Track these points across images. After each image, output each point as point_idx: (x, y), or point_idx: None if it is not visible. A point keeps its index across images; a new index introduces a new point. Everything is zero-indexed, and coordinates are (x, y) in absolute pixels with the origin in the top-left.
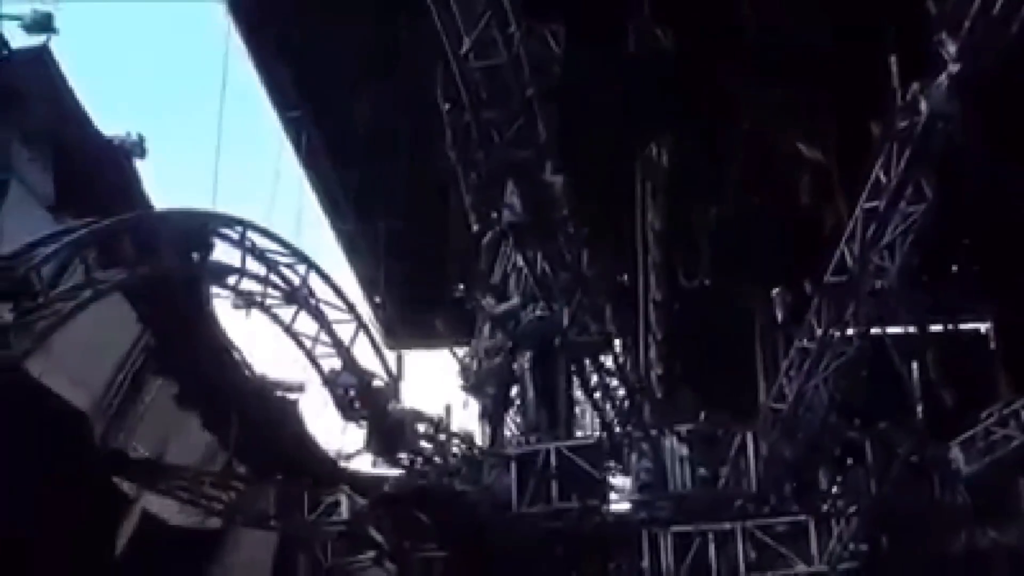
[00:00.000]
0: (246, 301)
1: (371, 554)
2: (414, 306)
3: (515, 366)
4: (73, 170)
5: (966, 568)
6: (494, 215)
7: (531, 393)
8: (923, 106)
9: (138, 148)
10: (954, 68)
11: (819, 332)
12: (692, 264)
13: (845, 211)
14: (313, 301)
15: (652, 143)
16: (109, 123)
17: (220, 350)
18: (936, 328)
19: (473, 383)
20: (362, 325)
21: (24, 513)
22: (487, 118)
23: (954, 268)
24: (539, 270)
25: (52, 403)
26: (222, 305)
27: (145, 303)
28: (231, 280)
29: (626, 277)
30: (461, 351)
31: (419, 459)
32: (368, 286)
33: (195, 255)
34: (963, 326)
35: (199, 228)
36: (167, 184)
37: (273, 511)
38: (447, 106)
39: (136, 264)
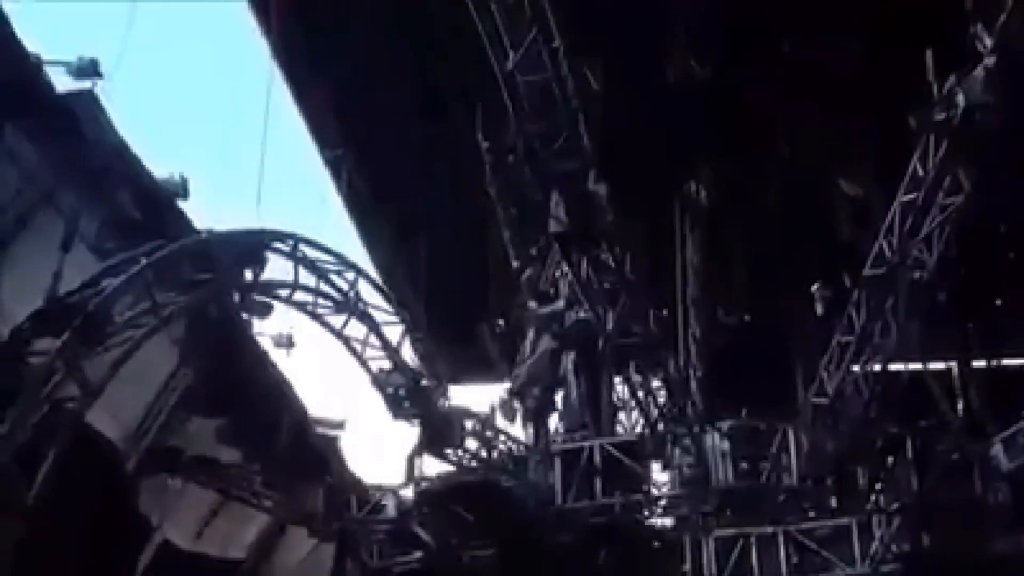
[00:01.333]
0: (301, 310)
1: (418, 555)
2: (453, 342)
3: (560, 367)
4: (118, 212)
5: (1009, 568)
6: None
7: (575, 392)
8: (960, 98)
9: (182, 189)
10: (990, 61)
11: (858, 325)
12: (731, 299)
13: None
14: (361, 306)
15: (691, 178)
16: (155, 163)
17: (265, 384)
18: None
19: (518, 386)
20: (410, 328)
21: (48, 537)
22: (532, 131)
23: (997, 301)
24: (584, 275)
25: (82, 431)
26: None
27: (185, 334)
28: (284, 293)
29: (665, 312)
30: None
31: (467, 455)
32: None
33: (249, 272)
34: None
35: (253, 245)
36: (210, 223)
37: (322, 510)
38: (486, 144)
39: (193, 286)
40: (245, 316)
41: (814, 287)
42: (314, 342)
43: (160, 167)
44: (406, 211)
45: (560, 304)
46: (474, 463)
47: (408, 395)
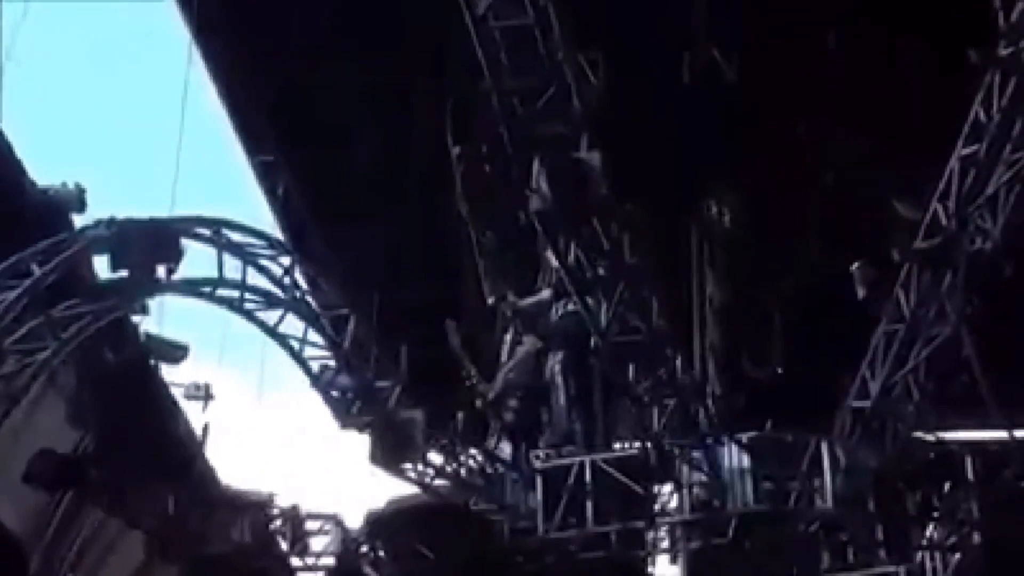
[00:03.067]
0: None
1: None
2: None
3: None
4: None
5: None
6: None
7: (563, 399)
8: None
9: (76, 201)
10: None
11: (908, 309)
12: (761, 347)
13: None
14: (299, 295)
15: (710, 197)
16: (45, 171)
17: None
18: None
19: (493, 397)
20: (360, 319)
21: None
22: (510, 88)
23: None
24: (572, 261)
25: None
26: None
27: (86, 400)
28: (207, 290)
29: (678, 361)
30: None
31: (430, 473)
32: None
33: (162, 268)
34: None
35: (167, 234)
36: None
37: (248, 540)
38: (457, 150)
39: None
40: (153, 362)
41: (853, 266)
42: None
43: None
44: (357, 233)
45: (545, 294)
46: (438, 482)
47: (357, 398)
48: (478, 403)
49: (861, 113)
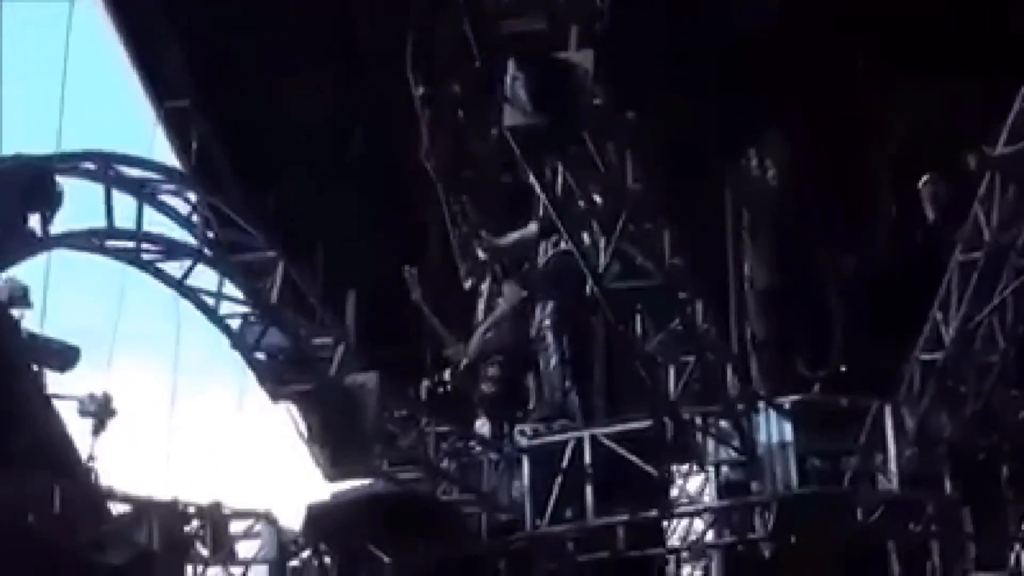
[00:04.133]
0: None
1: None
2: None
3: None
4: None
5: None
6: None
7: (554, 362)
8: None
9: None
10: None
11: (990, 233)
12: (815, 341)
13: None
14: (211, 236)
15: (751, 149)
16: None
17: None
18: None
19: (467, 363)
20: (289, 261)
21: None
22: None
23: None
24: (559, 188)
25: None
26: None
27: None
28: (94, 241)
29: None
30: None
31: (386, 457)
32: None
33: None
34: None
35: (38, 174)
36: None
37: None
38: (421, 90)
39: None
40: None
41: (922, 180)
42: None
43: None
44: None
45: (531, 230)
46: (400, 469)
47: (290, 361)
48: (447, 372)
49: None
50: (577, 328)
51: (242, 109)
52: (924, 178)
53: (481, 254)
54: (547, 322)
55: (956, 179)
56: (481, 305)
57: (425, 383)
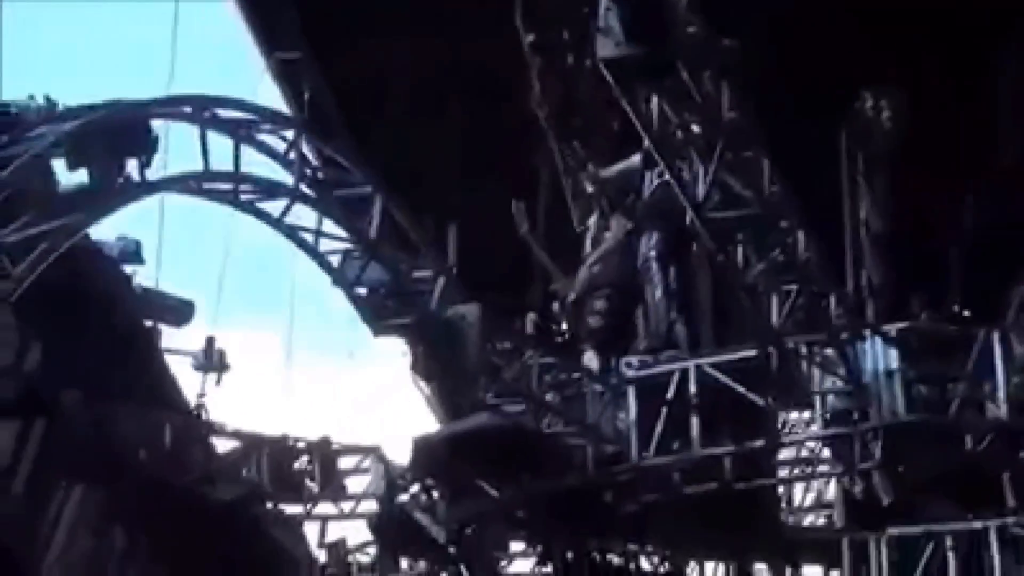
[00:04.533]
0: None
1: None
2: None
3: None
4: None
5: None
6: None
7: (659, 293)
8: None
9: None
10: None
11: None
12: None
13: None
14: (308, 174)
15: (867, 93)
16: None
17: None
18: None
19: (575, 297)
20: (386, 197)
21: None
22: None
23: None
24: (656, 119)
25: None
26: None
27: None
28: (192, 184)
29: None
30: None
31: (491, 389)
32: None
33: (132, 165)
34: None
35: (132, 120)
36: None
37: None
38: (531, 37)
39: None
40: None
41: None
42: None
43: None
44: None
45: (635, 160)
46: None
47: (392, 295)
48: (555, 306)
49: None
50: (682, 259)
51: (350, 64)
52: None
53: (588, 187)
54: (652, 253)
55: None
56: (589, 239)
57: (531, 316)
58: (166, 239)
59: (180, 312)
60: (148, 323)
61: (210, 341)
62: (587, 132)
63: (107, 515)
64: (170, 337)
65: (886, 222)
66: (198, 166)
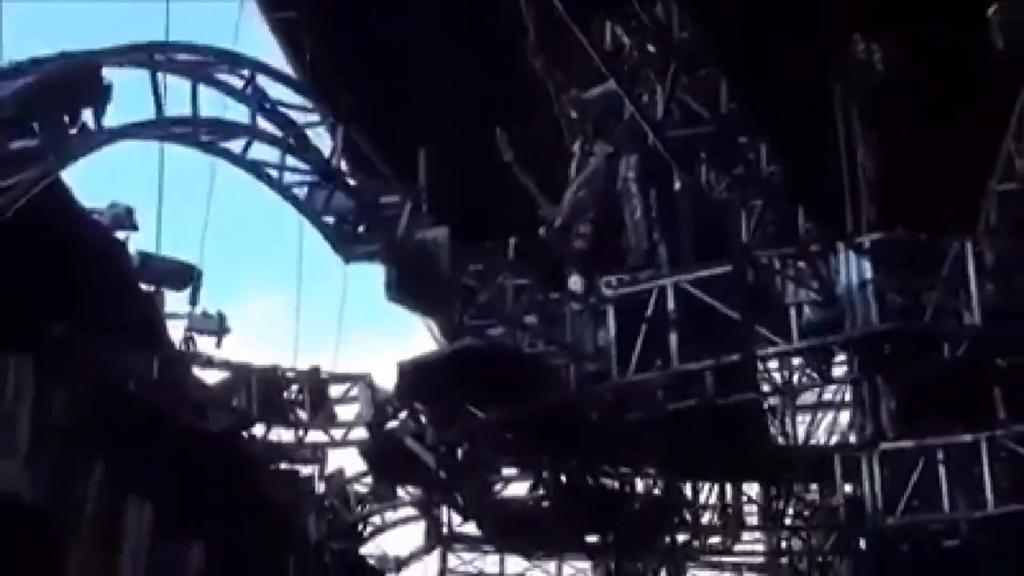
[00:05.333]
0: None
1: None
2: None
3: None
4: None
5: None
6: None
7: (639, 213)
8: None
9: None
10: None
11: None
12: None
13: None
14: (268, 107)
15: (858, 38)
16: None
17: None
18: None
19: (563, 220)
20: (347, 125)
21: None
22: None
23: None
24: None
25: None
26: None
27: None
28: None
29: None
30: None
31: (467, 310)
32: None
33: (87, 115)
34: None
35: (84, 72)
36: None
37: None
38: None
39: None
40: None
41: (990, 9)
42: None
43: None
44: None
45: (612, 83)
46: (479, 321)
47: (361, 221)
48: (541, 231)
49: None
50: (662, 180)
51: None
52: (992, 7)
53: (571, 112)
54: (630, 175)
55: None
56: (574, 164)
57: (512, 241)
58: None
59: (183, 275)
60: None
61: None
62: (569, 56)
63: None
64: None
65: (882, 165)
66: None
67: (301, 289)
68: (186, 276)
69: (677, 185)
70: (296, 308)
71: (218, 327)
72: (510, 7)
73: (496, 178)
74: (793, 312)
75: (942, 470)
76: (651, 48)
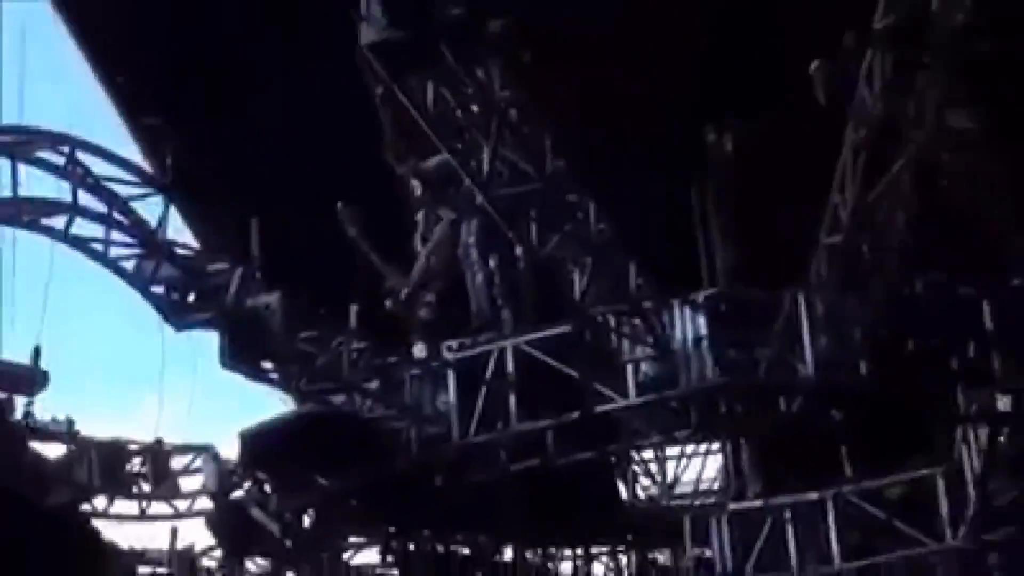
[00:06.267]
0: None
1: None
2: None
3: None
4: None
5: None
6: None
7: (479, 278)
8: None
9: None
10: None
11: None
12: None
13: None
14: (91, 182)
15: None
16: None
17: None
18: None
19: (409, 292)
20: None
21: None
22: None
23: None
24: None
25: None
26: None
27: None
28: None
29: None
30: None
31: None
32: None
33: None
34: None
35: None
36: None
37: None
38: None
39: None
40: None
41: (812, 66)
42: None
43: None
44: None
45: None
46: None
47: (190, 290)
48: (388, 301)
49: None
50: (503, 244)
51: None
52: (814, 63)
53: (414, 182)
54: (470, 240)
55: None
56: (418, 235)
57: (354, 308)
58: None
59: (32, 379)
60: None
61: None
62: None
63: None
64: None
65: (736, 251)
66: None
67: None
68: (38, 380)
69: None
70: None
71: (67, 431)
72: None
73: (339, 248)
74: (630, 368)
75: (790, 529)
76: (475, 108)
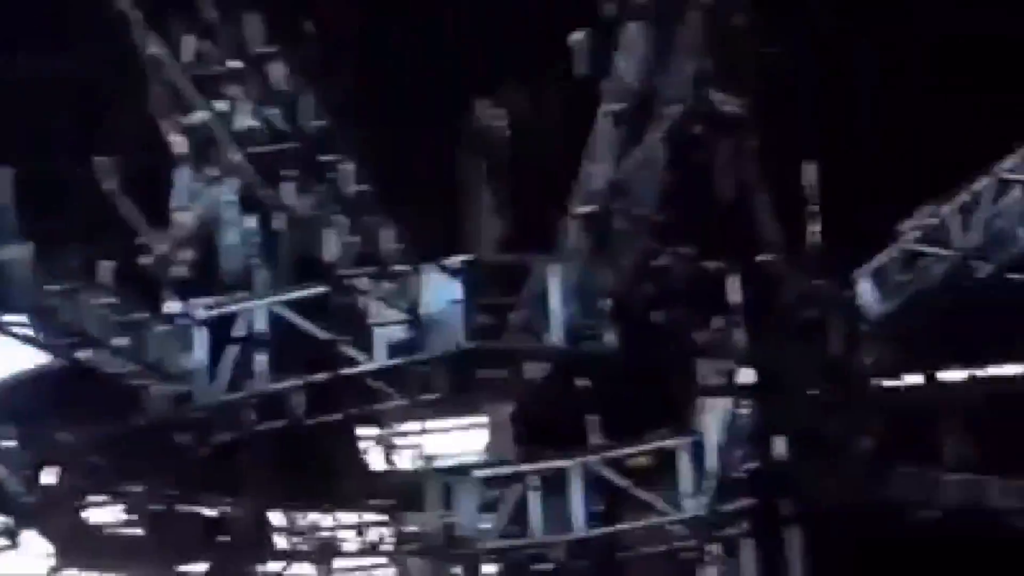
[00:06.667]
0: None
1: None
2: None
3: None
4: None
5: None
6: None
7: (233, 236)
8: None
9: None
10: None
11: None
12: None
13: None
14: None
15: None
16: None
17: None
18: None
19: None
20: None
21: None
22: None
23: None
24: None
25: None
26: None
27: None
28: None
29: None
30: None
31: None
32: None
33: None
34: None
35: None
36: None
37: None
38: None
39: None
40: None
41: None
42: None
43: None
44: None
45: (221, 106)
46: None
47: None
48: (143, 259)
49: None
50: (263, 202)
51: None
52: (572, 35)
53: (176, 138)
54: (230, 198)
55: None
56: (173, 192)
57: (106, 264)
58: None
59: None
60: None
61: None
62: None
63: None
64: None
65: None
66: None
67: None
68: None
69: None
70: None
71: None
72: None
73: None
74: (381, 332)
75: (533, 495)
76: (237, 64)
